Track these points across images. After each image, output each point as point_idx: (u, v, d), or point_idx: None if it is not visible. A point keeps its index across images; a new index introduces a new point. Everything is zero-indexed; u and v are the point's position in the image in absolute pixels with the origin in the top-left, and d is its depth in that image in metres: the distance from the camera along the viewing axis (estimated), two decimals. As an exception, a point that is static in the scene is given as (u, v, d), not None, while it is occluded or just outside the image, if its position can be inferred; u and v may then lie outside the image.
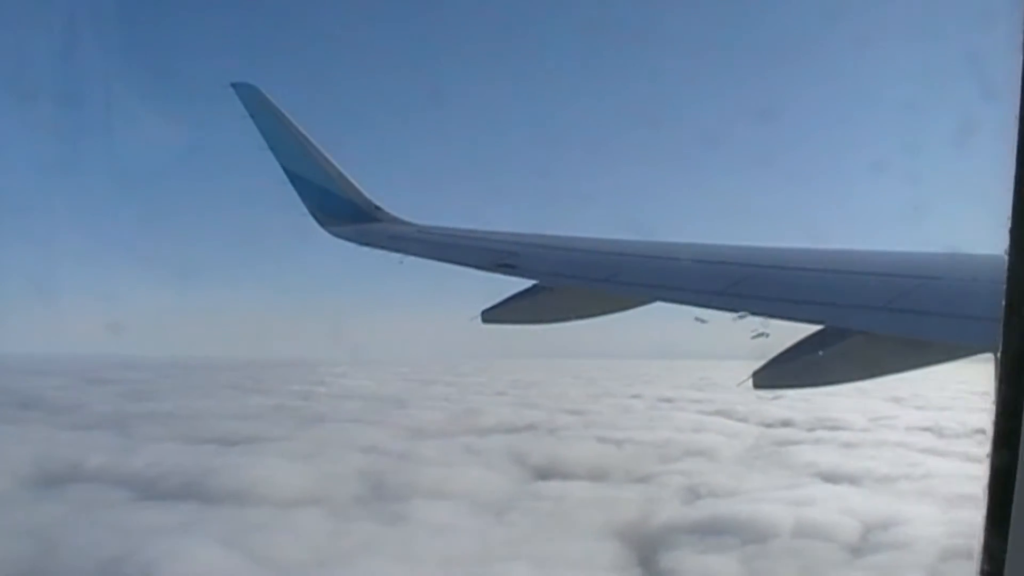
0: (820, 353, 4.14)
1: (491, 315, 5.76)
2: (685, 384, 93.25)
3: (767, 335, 4.48)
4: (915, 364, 4.11)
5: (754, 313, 4.53)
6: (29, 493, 37.14)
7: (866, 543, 31.27)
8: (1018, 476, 1.28)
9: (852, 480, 41.83)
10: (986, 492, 1.35)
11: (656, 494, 40.62)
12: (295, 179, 7.56)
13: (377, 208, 7.74)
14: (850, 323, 4.25)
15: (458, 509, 35.58)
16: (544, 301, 5.61)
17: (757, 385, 4.36)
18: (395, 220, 7.71)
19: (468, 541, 30.93)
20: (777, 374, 4.31)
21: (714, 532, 32.44)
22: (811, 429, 59.16)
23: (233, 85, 8.06)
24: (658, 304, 5.27)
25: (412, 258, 6.84)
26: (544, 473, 46.44)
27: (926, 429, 57.20)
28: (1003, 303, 1.25)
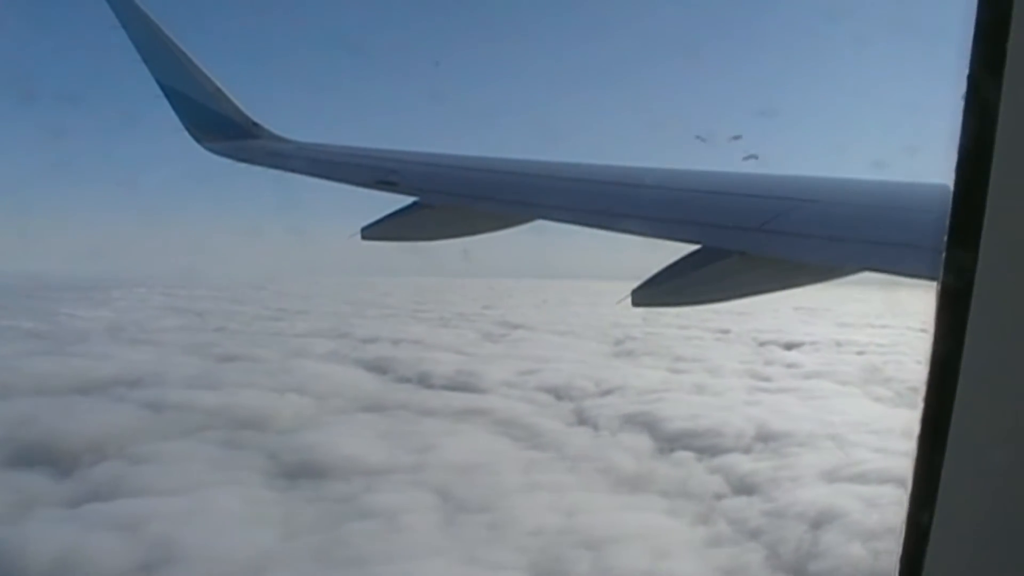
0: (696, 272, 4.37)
1: (371, 232, 5.83)
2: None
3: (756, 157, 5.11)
4: (789, 284, 4.37)
5: (632, 232, 4.75)
6: None
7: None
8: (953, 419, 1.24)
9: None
10: (920, 426, 1.27)
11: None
12: (170, 94, 7.31)
13: (255, 124, 7.50)
14: (727, 243, 4.45)
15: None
16: (424, 218, 5.67)
17: (635, 303, 4.49)
18: (273, 137, 7.52)
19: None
20: (655, 292, 4.48)
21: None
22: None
23: None
24: (540, 223, 5.28)
25: (291, 176, 6.74)
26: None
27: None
28: (945, 231, 1.22)
